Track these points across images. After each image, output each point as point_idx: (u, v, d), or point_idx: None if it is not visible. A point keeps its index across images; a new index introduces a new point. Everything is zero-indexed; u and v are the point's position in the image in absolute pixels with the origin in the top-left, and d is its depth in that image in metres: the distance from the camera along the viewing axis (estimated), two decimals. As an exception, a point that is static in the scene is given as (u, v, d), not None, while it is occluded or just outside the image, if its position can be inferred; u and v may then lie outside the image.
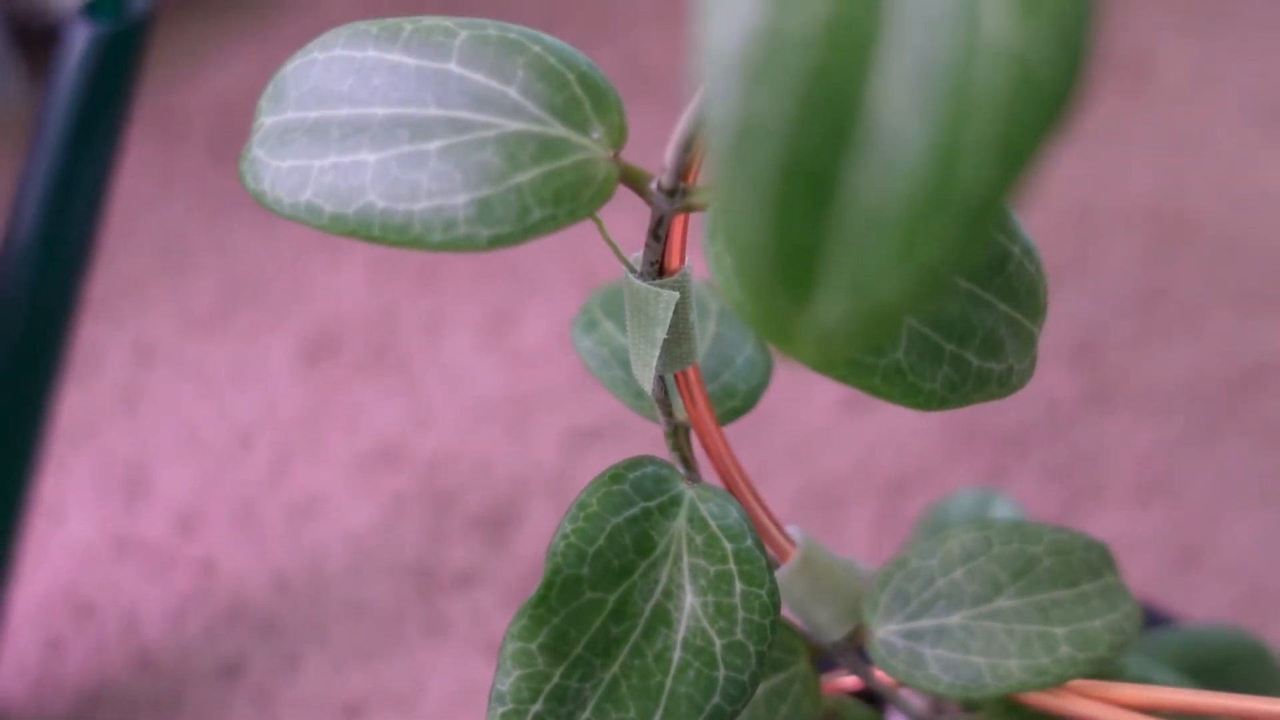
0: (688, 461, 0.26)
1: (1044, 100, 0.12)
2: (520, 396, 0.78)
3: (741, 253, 0.13)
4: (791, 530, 0.29)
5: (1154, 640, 0.37)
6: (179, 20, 1.12)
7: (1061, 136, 0.12)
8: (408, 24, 0.21)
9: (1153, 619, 0.42)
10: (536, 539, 0.71)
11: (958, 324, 0.21)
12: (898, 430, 0.77)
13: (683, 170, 0.21)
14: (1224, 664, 0.36)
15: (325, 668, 0.66)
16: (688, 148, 0.20)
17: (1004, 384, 0.22)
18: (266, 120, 0.22)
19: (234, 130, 1.01)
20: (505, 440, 0.76)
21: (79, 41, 0.44)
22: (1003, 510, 0.37)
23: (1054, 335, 0.82)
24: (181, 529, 0.73)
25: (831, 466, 0.74)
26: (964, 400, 0.22)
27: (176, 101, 1.02)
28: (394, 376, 0.80)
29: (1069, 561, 0.27)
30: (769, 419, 0.76)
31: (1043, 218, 0.90)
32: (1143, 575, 0.69)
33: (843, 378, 0.21)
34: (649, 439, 0.27)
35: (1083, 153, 0.96)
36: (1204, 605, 0.67)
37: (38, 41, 1.07)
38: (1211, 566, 0.69)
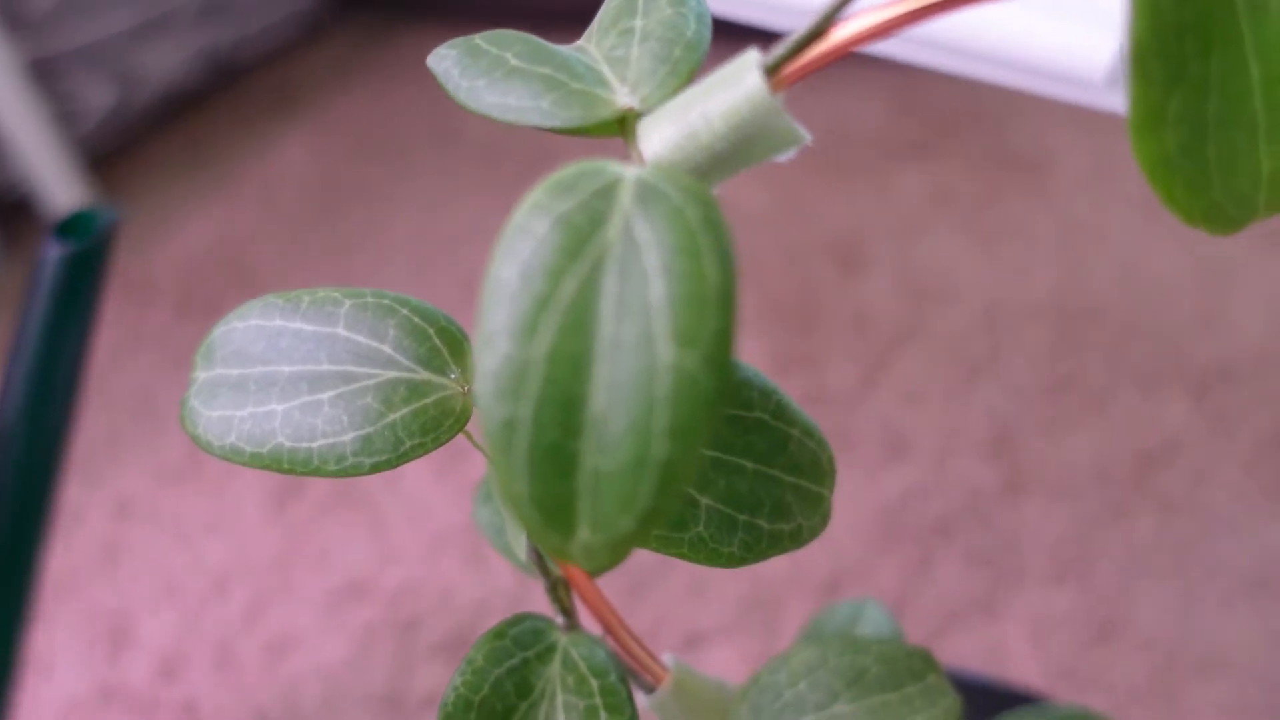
0: (567, 611, 0.32)
1: (702, 397, 0.18)
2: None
3: (515, 507, 0.19)
4: (666, 657, 0.34)
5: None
6: (142, 185, 1.19)
7: (713, 424, 0.18)
8: (305, 296, 0.27)
9: (1023, 699, 0.47)
10: (498, 659, 0.76)
11: (748, 498, 0.27)
12: (831, 528, 0.82)
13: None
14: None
15: (305, 798, 0.70)
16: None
17: (795, 539, 0.28)
18: (200, 375, 0.28)
19: (197, 288, 1.07)
20: (465, 568, 0.81)
21: (52, 258, 0.50)
22: (873, 618, 0.42)
23: (972, 428, 0.88)
24: (164, 675, 0.77)
25: (769, 568, 0.79)
26: (761, 556, 0.27)
27: (142, 263, 1.09)
28: (358, 514, 0.85)
29: (894, 668, 0.33)
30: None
31: (955, 316, 0.97)
32: (1062, 651, 0.74)
33: (656, 549, 0.26)
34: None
35: (988, 252, 1.03)
36: (1121, 677, 0.72)
37: (10, 213, 1.14)
38: (1127, 639, 0.75)
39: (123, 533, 0.86)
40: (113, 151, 1.21)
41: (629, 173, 0.20)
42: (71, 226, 0.51)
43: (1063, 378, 0.92)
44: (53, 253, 0.50)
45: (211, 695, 0.75)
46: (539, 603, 0.82)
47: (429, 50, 0.24)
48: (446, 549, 0.83)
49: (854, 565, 0.80)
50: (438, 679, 0.75)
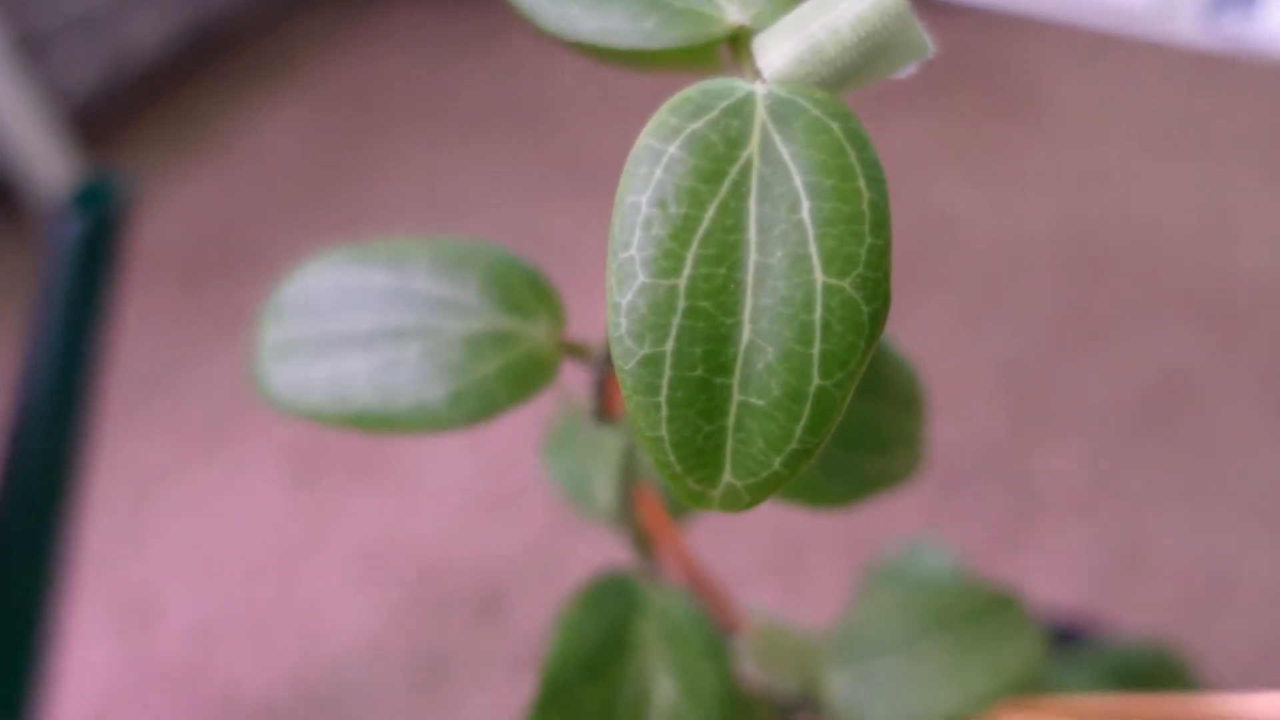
0: (651, 561, 0.31)
1: (862, 322, 0.17)
2: (507, 486, 0.83)
3: (653, 451, 0.18)
4: (751, 605, 0.33)
5: (1087, 653, 0.42)
6: (135, 158, 1.16)
7: (870, 350, 0.17)
8: (381, 247, 0.26)
9: (1084, 630, 0.47)
10: (532, 617, 0.75)
11: (850, 435, 0.26)
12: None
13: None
14: (1150, 675, 0.41)
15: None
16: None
17: (895, 476, 0.27)
18: (270, 337, 0.26)
19: (201, 259, 1.05)
20: (495, 528, 0.80)
21: (72, 227, 0.48)
22: (931, 555, 0.42)
23: (981, 369, 0.88)
24: (201, 646, 0.76)
25: (790, 515, 0.79)
26: (865, 495, 0.26)
27: (144, 237, 1.06)
28: (384, 477, 0.84)
29: (975, 604, 0.32)
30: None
31: (959, 259, 0.96)
32: (1083, 584, 0.74)
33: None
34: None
35: (990, 194, 1.02)
36: (1143, 606, 0.72)
37: (3, 191, 1.12)
38: (1147, 569, 0.74)
39: (151, 505, 0.85)
40: (104, 125, 1.18)
41: (760, 88, 0.18)
42: (86, 198, 0.49)
43: (1069, 316, 0.91)
44: (73, 219, 0.48)
45: (251, 664, 0.75)
46: (570, 560, 0.82)
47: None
48: (476, 511, 0.82)
49: (871, 509, 0.79)
50: (474, 636, 0.74)
